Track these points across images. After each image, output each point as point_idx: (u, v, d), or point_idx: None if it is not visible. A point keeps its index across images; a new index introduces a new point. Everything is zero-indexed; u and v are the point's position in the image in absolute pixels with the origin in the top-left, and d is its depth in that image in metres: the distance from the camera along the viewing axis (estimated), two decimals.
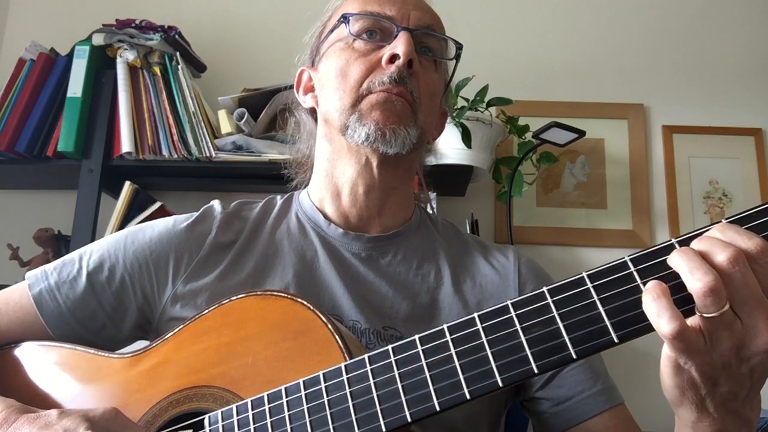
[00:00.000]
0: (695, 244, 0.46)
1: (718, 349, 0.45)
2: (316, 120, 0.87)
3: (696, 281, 0.43)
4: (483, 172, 1.76)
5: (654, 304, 0.44)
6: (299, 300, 0.63)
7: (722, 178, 1.90)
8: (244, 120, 1.68)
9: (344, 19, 0.79)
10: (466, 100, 1.65)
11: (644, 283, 0.46)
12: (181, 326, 0.68)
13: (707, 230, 0.47)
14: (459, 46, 0.84)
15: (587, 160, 1.93)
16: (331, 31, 0.82)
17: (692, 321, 0.45)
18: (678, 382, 0.48)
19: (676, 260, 0.45)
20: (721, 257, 0.43)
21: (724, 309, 0.43)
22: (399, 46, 0.75)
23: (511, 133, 1.78)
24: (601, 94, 1.96)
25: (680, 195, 1.89)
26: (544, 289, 0.50)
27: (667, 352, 0.47)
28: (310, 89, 0.87)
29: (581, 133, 1.65)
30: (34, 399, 0.70)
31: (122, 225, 1.64)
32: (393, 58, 0.75)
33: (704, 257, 0.44)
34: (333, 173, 0.82)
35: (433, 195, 1.65)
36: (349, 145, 0.78)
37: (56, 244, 1.79)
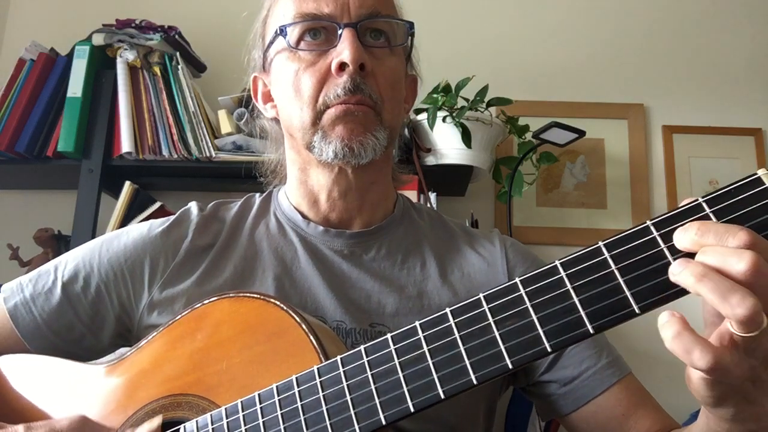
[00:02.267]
0: (704, 258, 0.41)
1: (756, 354, 0.42)
2: (281, 126, 0.83)
3: (736, 308, 0.39)
4: (483, 172, 1.76)
5: (678, 341, 0.41)
6: (272, 300, 0.61)
7: (722, 178, 1.89)
8: (244, 120, 1.68)
9: (281, 32, 0.74)
10: (466, 100, 1.65)
11: (618, 269, 0.44)
12: (156, 333, 0.67)
13: (689, 206, 0.44)
14: (410, 25, 0.77)
15: (587, 160, 1.93)
16: (272, 42, 0.77)
17: (720, 334, 0.42)
18: (716, 393, 0.44)
19: (701, 288, 0.40)
20: (739, 267, 0.40)
21: (764, 325, 0.39)
22: (344, 51, 0.69)
23: (511, 133, 1.78)
24: (601, 94, 1.96)
25: (680, 195, 1.88)
26: (517, 279, 0.48)
27: (698, 374, 0.43)
28: (268, 97, 0.83)
29: (581, 133, 1.65)
30: (11, 412, 0.70)
31: (122, 225, 1.63)
32: (342, 65, 0.70)
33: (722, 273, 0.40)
34: (307, 181, 0.80)
35: (433, 195, 1.65)
36: (318, 160, 0.75)
37: (56, 244, 1.79)
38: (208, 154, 1.65)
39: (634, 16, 2.02)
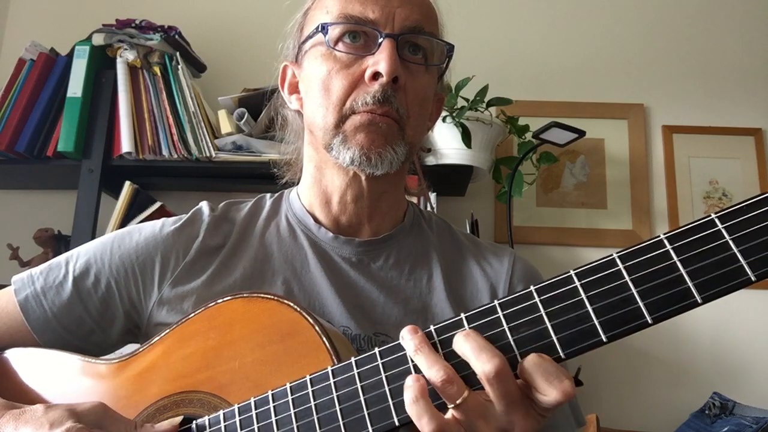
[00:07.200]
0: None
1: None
2: (303, 120, 0.82)
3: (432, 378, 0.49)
4: (483, 172, 1.76)
5: (413, 407, 0.48)
6: (286, 301, 0.62)
7: (722, 178, 1.90)
8: (244, 120, 1.68)
9: (322, 28, 0.74)
10: (466, 100, 1.65)
11: (632, 280, 0.46)
12: (168, 330, 0.68)
13: (701, 222, 0.45)
14: (450, 48, 0.78)
15: (587, 160, 1.93)
16: (311, 36, 0.77)
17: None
18: None
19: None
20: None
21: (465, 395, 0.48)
22: (381, 62, 0.69)
23: (511, 133, 1.78)
24: (601, 94, 1.96)
25: (680, 195, 1.89)
26: (532, 288, 0.49)
27: None
28: (295, 88, 0.83)
29: (581, 133, 1.65)
30: (20, 405, 0.70)
31: (122, 225, 1.64)
32: (376, 75, 0.70)
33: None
34: (321, 180, 0.80)
35: (433, 195, 1.65)
36: (335, 162, 0.75)
37: (56, 244, 1.79)
38: (208, 154, 1.66)
39: (635, 16, 2.03)
